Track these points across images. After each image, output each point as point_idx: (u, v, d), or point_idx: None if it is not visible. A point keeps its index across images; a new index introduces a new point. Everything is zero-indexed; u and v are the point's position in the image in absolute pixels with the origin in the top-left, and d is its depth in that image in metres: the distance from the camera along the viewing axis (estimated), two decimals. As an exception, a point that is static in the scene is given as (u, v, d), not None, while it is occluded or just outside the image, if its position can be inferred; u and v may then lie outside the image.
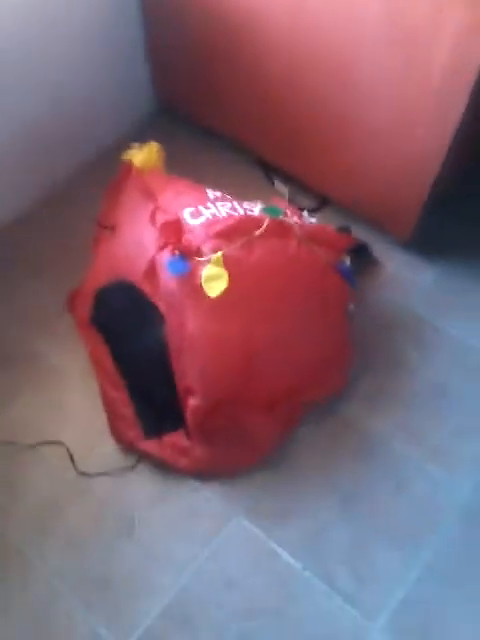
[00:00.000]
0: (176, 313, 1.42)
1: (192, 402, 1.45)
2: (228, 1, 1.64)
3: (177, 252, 1.37)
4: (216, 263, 1.35)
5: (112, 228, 1.59)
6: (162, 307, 1.45)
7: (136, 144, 1.64)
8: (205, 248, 1.38)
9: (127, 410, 1.54)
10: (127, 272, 1.53)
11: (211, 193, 1.52)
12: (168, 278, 1.39)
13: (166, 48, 1.95)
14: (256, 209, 1.49)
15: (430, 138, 1.49)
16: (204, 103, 1.93)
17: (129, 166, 1.61)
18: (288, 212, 1.54)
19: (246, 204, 1.50)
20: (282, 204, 1.65)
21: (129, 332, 1.57)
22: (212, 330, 1.40)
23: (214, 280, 1.36)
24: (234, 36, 1.70)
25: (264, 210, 1.48)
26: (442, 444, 1.50)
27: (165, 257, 1.39)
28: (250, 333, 1.42)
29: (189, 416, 1.46)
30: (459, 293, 1.75)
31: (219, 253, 1.36)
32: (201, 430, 1.47)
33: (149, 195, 1.51)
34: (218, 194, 1.52)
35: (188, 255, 1.38)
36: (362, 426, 1.54)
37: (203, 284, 1.35)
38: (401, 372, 1.62)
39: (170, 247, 1.39)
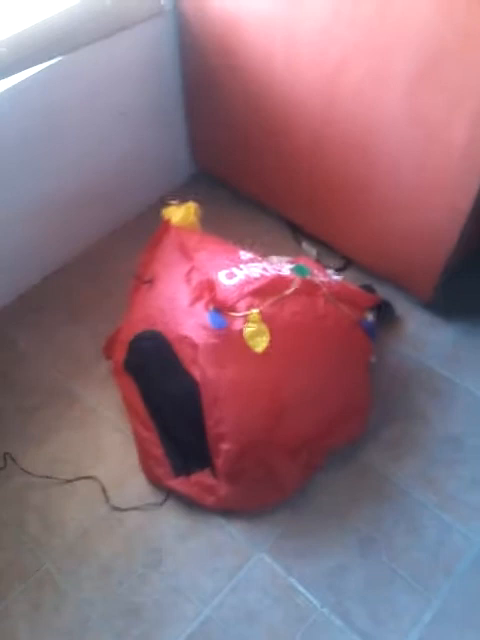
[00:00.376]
0: (212, 364, 1.50)
1: (225, 447, 1.51)
2: (266, 82, 1.82)
3: (213, 307, 1.49)
4: (255, 320, 1.47)
5: (150, 282, 1.70)
6: (187, 359, 1.55)
7: (175, 201, 1.76)
8: (240, 305, 1.49)
9: (157, 450, 1.62)
10: (159, 324, 1.63)
11: (244, 254, 1.64)
12: (205, 331, 1.50)
13: (205, 118, 2.15)
14: (285, 269, 1.61)
15: (449, 209, 1.62)
16: (239, 169, 2.10)
17: (168, 223, 1.73)
18: (315, 271, 1.65)
19: (276, 263, 1.63)
20: (309, 263, 1.77)
21: (158, 378, 1.66)
22: (249, 380, 1.50)
23: (258, 336, 1.47)
24: (270, 113, 1.88)
25: (293, 269, 1.60)
26: (457, 494, 1.57)
27: (203, 311, 1.50)
28: (281, 383, 1.52)
29: (222, 461, 1.53)
30: (477, 352, 1.85)
31: (255, 310, 1.47)
32: (230, 471, 1.54)
33: (185, 252, 1.63)
34: (250, 256, 1.64)
35: (223, 311, 1.49)
36: (381, 473, 1.62)
37: (248, 341, 1.46)
38: (419, 423, 1.70)
39: (206, 302, 1.50)
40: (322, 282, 1.60)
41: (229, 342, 1.48)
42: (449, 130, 1.49)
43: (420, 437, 1.68)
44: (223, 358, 1.49)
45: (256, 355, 1.47)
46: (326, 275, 1.72)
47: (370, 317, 1.69)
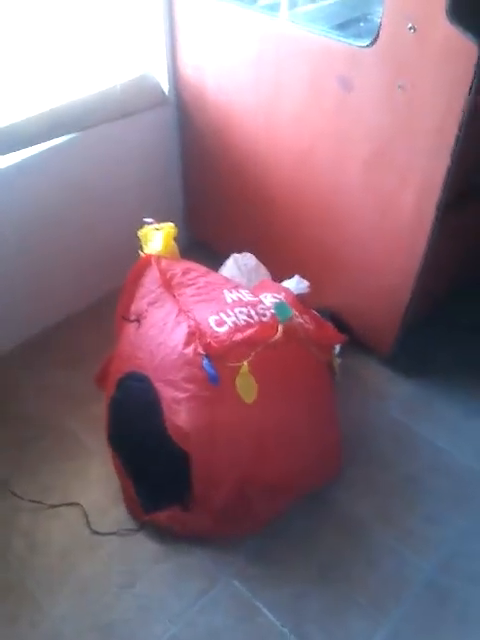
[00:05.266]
0: (204, 413, 1.56)
1: (217, 491, 1.60)
2: (251, 160, 2.11)
3: (206, 357, 1.52)
4: (245, 372, 1.53)
5: (137, 321, 1.71)
6: (170, 405, 1.58)
7: (150, 220, 1.78)
8: (231, 355, 1.53)
9: (130, 489, 1.73)
10: (148, 368, 1.65)
11: (228, 296, 1.68)
12: (196, 383, 1.54)
13: (199, 191, 2.44)
14: (267, 301, 1.66)
15: (401, 271, 1.85)
16: (228, 236, 2.33)
17: (148, 258, 1.75)
18: (295, 311, 1.67)
19: (261, 304, 1.66)
20: (289, 298, 1.74)
21: (137, 418, 1.71)
22: (238, 426, 1.58)
23: (248, 387, 1.55)
24: (254, 186, 2.16)
25: (275, 311, 1.62)
26: (412, 528, 1.69)
27: (194, 361, 1.53)
28: (266, 426, 1.60)
29: (215, 502, 1.61)
30: (432, 403, 2.03)
31: (245, 363, 1.52)
32: (218, 509, 1.63)
33: (169, 288, 1.67)
34: (235, 297, 1.67)
35: (216, 359, 1.53)
36: (343, 509, 1.74)
37: (240, 392, 1.54)
38: (379, 465, 1.85)
39: (196, 350, 1.53)
40: (299, 323, 1.65)
41: (221, 394, 1.54)
42: (399, 201, 1.74)
43: (381, 478, 1.82)
44: (215, 408, 1.56)
45: (245, 404, 1.55)
46: (303, 310, 1.74)
47: (337, 361, 1.84)
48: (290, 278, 1.89)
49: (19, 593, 1.59)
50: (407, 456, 1.87)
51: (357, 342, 2.09)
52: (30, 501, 1.76)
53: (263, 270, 1.97)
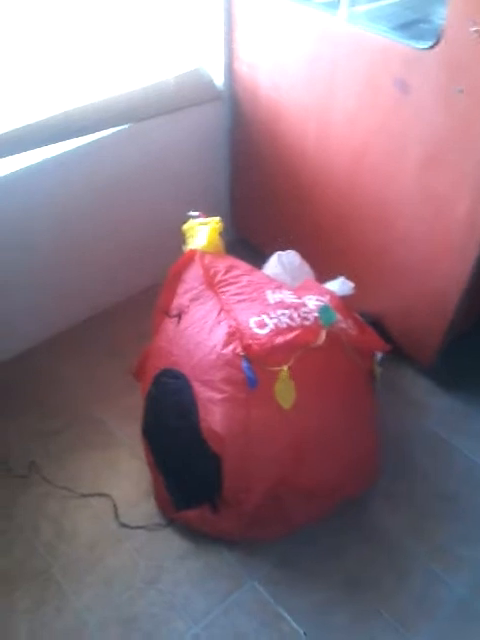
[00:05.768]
0: (241, 417, 1.52)
1: (250, 495, 1.56)
2: (300, 158, 2.08)
3: (246, 358, 1.48)
4: (284, 378, 1.50)
5: (178, 316, 1.69)
6: (205, 405, 1.56)
7: (196, 213, 1.77)
8: (271, 359, 1.50)
9: (162, 486, 1.72)
10: (185, 366, 1.62)
11: (271, 297, 1.64)
12: (233, 385, 1.51)
13: (246, 188, 2.43)
14: (311, 303, 1.62)
15: (450, 277, 1.80)
16: (273, 236, 2.30)
17: (192, 253, 1.72)
18: (339, 316, 1.64)
19: (304, 307, 1.61)
20: (334, 301, 1.69)
21: (167, 416, 1.69)
22: (276, 432, 1.54)
23: (286, 393, 1.52)
24: (302, 185, 2.13)
25: (319, 314, 1.57)
26: (446, 546, 1.65)
27: (233, 363, 1.50)
28: (304, 433, 1.56)
29: (243, 509, 1.58)
30: (472, 418, 1.97)
31: (285, 368, 1.48)
32: (251, 513, 1.59)
33: (212, 286, 1.65)
34: (277, 298, 1.63)
35: (256, 361, 1.49)
36: (375, 520, 1.71)
37: (278, 397, 1.51)
38: (416, 479, 1.80)
39: (236, 350, 1.50)
40: (342, 329, 1.61)
41: (259, 398, 1.51)
42: (452, 204, 1.69)
43: (416, 492, 1.78)
44: (251, 412, 1.52)
45: (283, 409, 1.51)
46: (347, 314, 1.70)
47: (379, 370, 1.79)
48: (334, 279, 1.85)
49: (45, 579, 1.60)
50: (444, 471, 1.83)
51: (398, 351, 2.05)
52: (60, 488, 1.77)
53: (307, 268, 1.93)
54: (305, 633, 1.48)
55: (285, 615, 1.52)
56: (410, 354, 2.08)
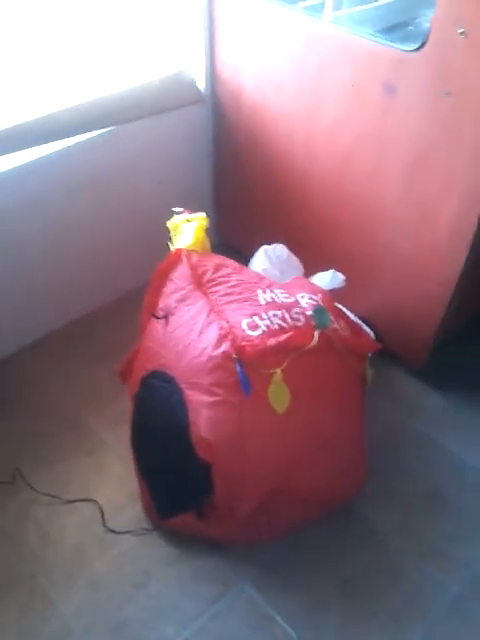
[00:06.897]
0: (233, 421, 1.48)
1: (240, 505, 1.52)
2: (286, 164, 2.08)
3: (239, 362, 1.44)
4: (277, 381, 1.46)
5: (165, 318, 1.64)
6: (195, 409, 1.52)
7: (180, 209, 1.73)
8: (264, 361, 1.46)
9: (146, 494, 1.69)
10: (174, 369, 1.58)
11: (262, 296, 1.59)
12: (225, 388, 1.47)
13: (230, 192, 2.42)
14: (303, 302, 1.59)
15: (438, 282, 1.81)
16: (257, 240, 2.30)
17: (179, 252, 1.67)
18: (332, 317, 1.61)
19: (296, 307, 1.58)
20: (326, 300, 1.66)
21: (155, 420, 1.64)
22: (269, 437, 1.50)
23: (280, 396, 1.48)
24: (287, 191, 2.13)
25: (313, 315, 1.55)
26: (438, 546, 1.64)
27: (224, 367, 1.46)
28: (298, 438, 1.52)
29: (236, 518, 1.54)
30: (462, 419, 1.97)
31: (279, 371, 1.44)
32: (232, 519, 1.56)
33: (200, 286, 1.61)
34: (268, 298, 1.59)
35: (249, 364, 1.45)
36: (366, 521, 1.70)
37: (271, 401, 1.47)
38: (405, 478, 1.80)
39: (231, 354, 1.45)
40: (334, 330, 1.58)
41: (251, 402, 1.47)
42: (440, 208, 1.70)
43: (406, 492, 1.77)
44: (244, 417, 1.48)
45: (276, 413, 1.47)
46: (339, 314, 1.69)
47: (371, 371, 1.78)
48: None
49: (31, 586, 1.56)
50: (434, 471, 1.82)
51: (387, 351, 2.04)
52: (45, 494, 1.73)
53: (295, 260, 1.89)
54: (298, 638, 1.46)
55: (277, 618, 1.50)
56: (400, 355, 2.08)
